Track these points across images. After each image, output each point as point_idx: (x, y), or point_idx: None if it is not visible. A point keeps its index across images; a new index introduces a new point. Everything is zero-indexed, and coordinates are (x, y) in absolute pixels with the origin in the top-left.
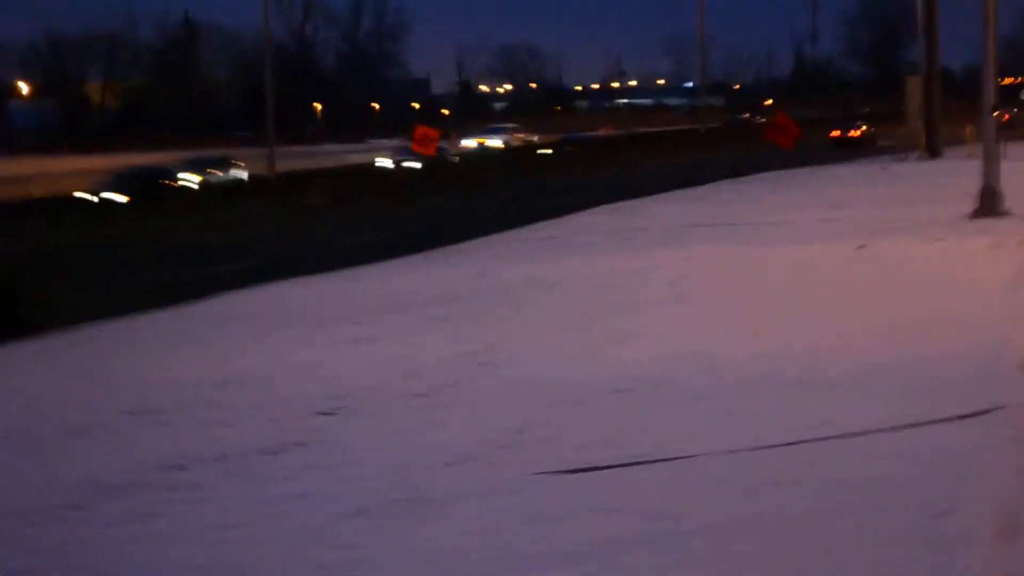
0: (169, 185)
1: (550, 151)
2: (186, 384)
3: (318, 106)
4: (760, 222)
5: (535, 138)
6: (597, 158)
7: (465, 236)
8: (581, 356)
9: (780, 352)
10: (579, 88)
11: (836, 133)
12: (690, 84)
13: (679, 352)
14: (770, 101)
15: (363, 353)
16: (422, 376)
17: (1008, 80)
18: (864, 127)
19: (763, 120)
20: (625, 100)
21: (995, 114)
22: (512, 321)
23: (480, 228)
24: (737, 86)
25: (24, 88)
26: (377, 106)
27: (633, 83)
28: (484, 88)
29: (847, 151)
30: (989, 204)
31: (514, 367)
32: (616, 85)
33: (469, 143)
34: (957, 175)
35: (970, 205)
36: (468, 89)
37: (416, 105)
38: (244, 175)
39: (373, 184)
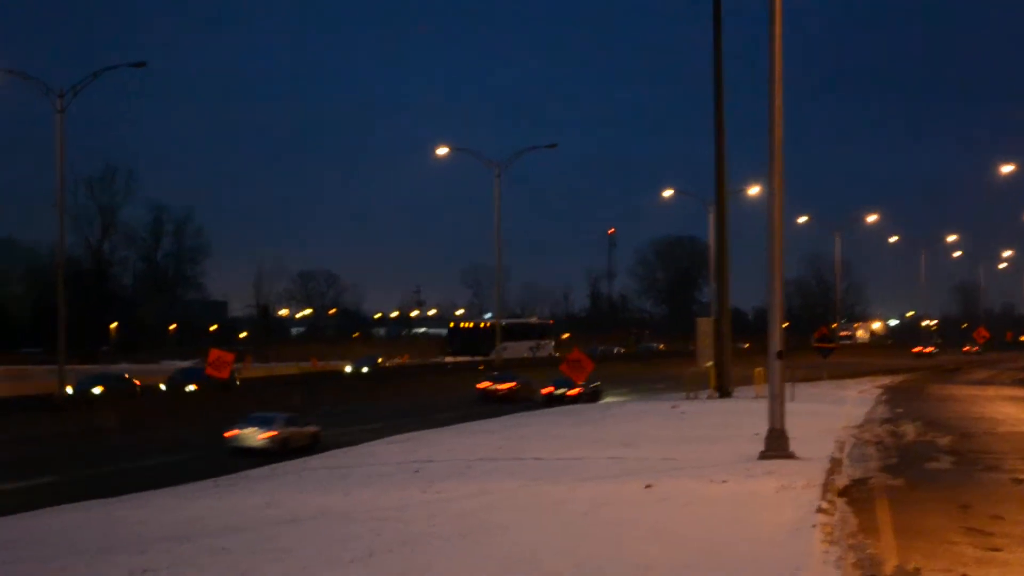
0: None
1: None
2: None
3: (114, 325)
4: (552, 458)
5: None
6: (392, 387)
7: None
8: None
9: None
10: (378, 315)
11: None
12: (488, 315)
13: None
14: (567, 335)
15: None
16: None
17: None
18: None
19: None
20: (423, 329)
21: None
22: (293, 555)
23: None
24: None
25: None
26: (174, 327)
27: (432, 312)
28: (283, 312)
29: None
30: (776, 446)
31: None
32: (415, 314)
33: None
34: (746, 415)
35: (757, 446)
36: (266, 313)
37: (213, 327)
38: None
39: (164, 405)
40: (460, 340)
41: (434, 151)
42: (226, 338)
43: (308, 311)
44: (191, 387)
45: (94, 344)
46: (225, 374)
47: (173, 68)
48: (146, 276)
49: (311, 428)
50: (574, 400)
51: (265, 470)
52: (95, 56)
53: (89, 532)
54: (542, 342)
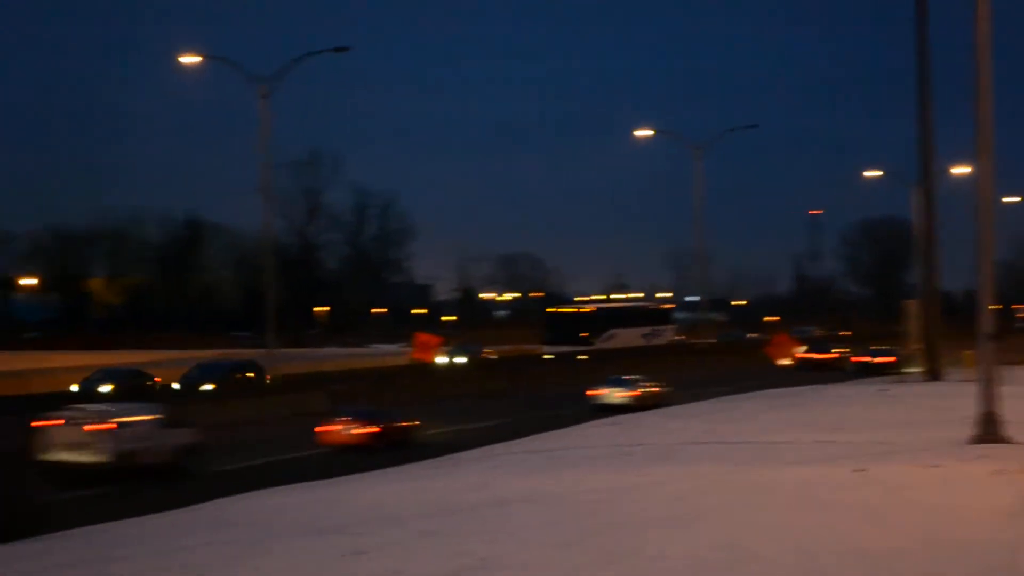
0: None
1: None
2: None
3: (323, 309)
4: (759, 441)
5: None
6: (596, 372)
7: (467, 445)
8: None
9: None
10: (581, 298)
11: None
12: (694, 298)
13: None
14: (776, 318)
15: (354, 568)
16: None
17: None
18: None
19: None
20: None
21: None
22: (506, 537)
23: (482, 437)
24: (744, 301)
25: (28, 282)
26: (385, 310)
27: (637, 295)
28: (487, 295)
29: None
30: (989, 429)
31: None
32: (621, 296)
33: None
34: (956, 398)
35: (969, 429)
36: (470, 296)
37: (422, 311)
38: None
39: (376, 388)
40: (559, 327)
41: (635, 132)
42: (431, 321)
43: (513, 295)
44: (207, 386)
45: (301, 328)
46: (431, 357)
47: (377, 53)
48: (351, 260)
49: (661, 389)
50: (883, 368)
51: (475, 452)
52: (300, 42)
53: (299, 514)
54: (659, 328)
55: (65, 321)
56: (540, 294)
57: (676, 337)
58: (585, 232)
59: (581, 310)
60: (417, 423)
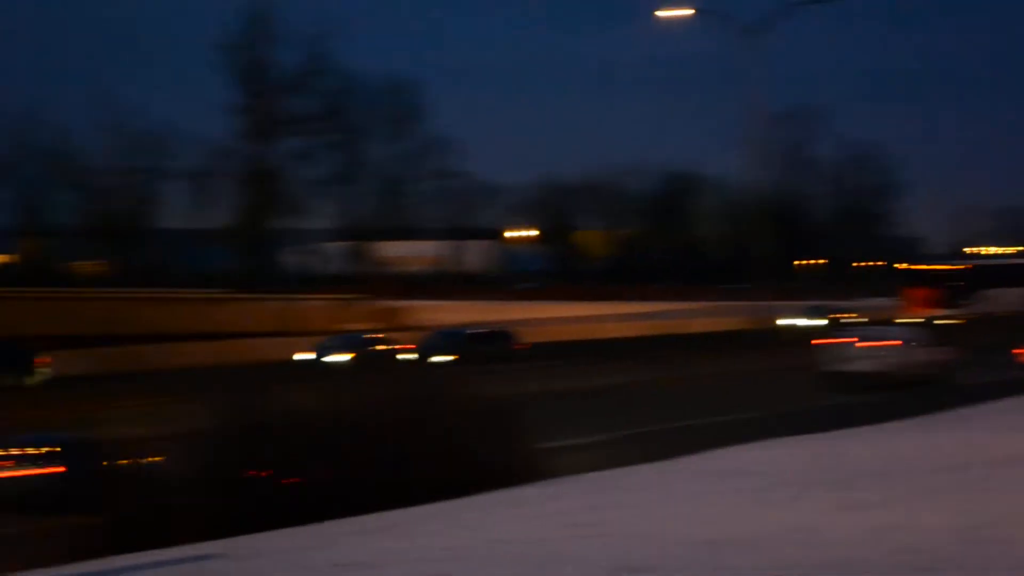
0: None
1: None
2: (673, 542)
3: (811, 262)
4: None
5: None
6: None
7: (965, 401)
8: None
9: None
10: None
11: None
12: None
13: None
14: None
15: (855, 521)
16: (918, 550)
17: None
18: None
19: None
20: None
21: None
22: (1011, 497)
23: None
24: None
25: (520, 234)
26: (881, 263)
27: None
28: (983, 250)
29: None
30: None
31: (1020, 545)
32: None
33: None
34: None
35: None
36: (961, 250)
37: (919, 266)
38: None
39: None
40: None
41: None
42: (919, 276)
43: (1016, 248)
44: (445, 357)
45: (790, 279)
46: (928, 310)
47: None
48: (839, 212)
49: None
50: None
51: (974, 410)
52: None
53: (801, 466)
54: None
55: (557, 272)
56: None
57: None
58: None
59: (950, 267)
60: None
